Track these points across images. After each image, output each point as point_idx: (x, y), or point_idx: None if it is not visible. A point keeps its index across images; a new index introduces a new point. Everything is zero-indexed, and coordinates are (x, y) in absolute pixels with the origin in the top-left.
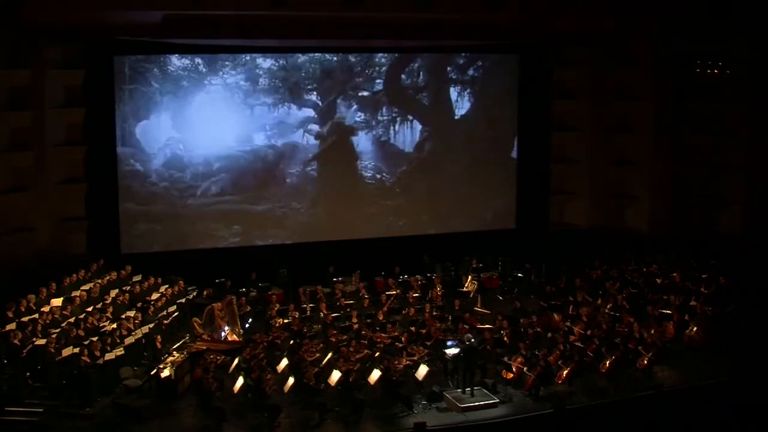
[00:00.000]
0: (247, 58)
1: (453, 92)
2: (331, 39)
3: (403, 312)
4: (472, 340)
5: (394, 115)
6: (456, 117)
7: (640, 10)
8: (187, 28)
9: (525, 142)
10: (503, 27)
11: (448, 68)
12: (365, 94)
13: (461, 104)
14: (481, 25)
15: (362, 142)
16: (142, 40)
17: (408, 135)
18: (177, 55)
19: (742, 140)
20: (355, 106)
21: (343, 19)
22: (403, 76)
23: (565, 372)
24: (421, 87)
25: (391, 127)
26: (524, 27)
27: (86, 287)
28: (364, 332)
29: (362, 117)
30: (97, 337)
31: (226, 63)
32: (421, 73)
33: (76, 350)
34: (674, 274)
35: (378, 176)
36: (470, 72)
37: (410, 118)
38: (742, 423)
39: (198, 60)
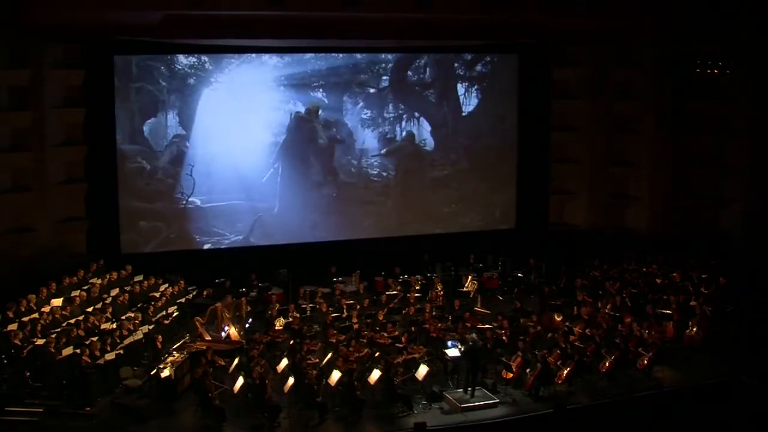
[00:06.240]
0: (253, 55)
1: (455, 91)
2: (332, 38)
3: (403, 312)
4: (477, 339)
5: (400, 112)
6: (458, 116)
7: (640, 10)
8: (187, 27)
9: (525, 142)
10: (503, 27)
11: (455, 65)
12: (371, 91)
13: (466, 102)
14: (481, 25)
15: (368, 139)
16: (143, 40)
17: (408, 135)
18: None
19: (742, 140)
20: (361, 104)
21: (343, 18)
22: (409, 72)
23: (565, 372)
24: (428, 84)
25: (397, 125)
26: (524, 27)
27: (86, 287)
28: (364, 332)
29: (368, 114)
30: (97, 337)
31: (232, 60)
32: (428, 69)
33: (77, 350)
34: (674, 274)
35: (384, 174)
36: (476, 69)
37: (417, 115)
38: (742, 423)
39: (204, 57)
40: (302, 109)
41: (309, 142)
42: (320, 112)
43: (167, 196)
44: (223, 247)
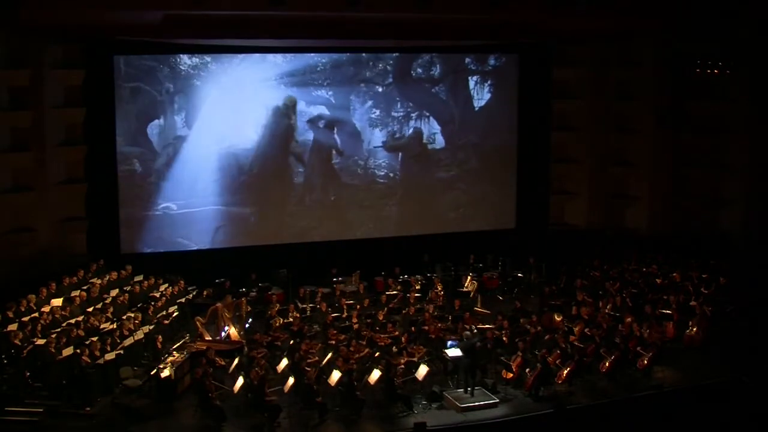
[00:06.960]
0: (255, 55)
1: (466, 86)
2: (332, 38)
3: (403, 312)
4: (474, 334)
5: (408, 110)
6: (467, 112)
7: (640, 10)
8: (187, 27)
9: (525, 142)
10: (503, 27)
11: (466, 60)
12: (378, 89)
13: (477, 98)
14: (481, 25)
15: (375, 138)
16: (143, 40)
17: (413, 133)
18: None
19: (742, 140)
20: (369, 102)
21: (343, 18)
22: (419, 69)
23: (565, 372)
24: (436, 79)
25: (405, 124)
26: (524, 27)
27: (86, 287)
28: (364, 332)
29: (377, 113)
30: (97, 337)
31: (234, 59)
32: (437, 65)
33: (77, 350)
34: (674, 274)
35: (390, 174)
36: (489, 63)
37: (426, 113)
38: (742, 423)
39: (207, 57)
40: (307, 108)
41: (289, 139)
42: (297, 105)
43: (148, 201)
44: (222, 247)
